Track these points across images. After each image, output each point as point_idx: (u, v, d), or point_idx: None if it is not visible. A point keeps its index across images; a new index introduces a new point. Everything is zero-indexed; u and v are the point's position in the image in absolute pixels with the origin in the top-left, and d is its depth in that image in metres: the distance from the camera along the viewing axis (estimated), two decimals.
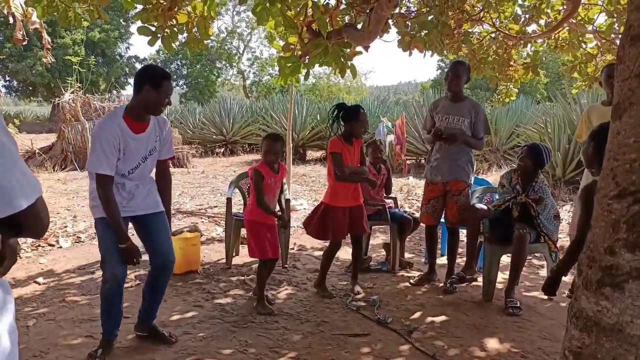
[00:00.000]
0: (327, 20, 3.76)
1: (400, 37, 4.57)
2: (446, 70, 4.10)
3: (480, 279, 3.91)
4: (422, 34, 4.58)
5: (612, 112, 1.65)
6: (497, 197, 4.38)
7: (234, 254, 4.52)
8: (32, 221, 1.08)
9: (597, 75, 5.98)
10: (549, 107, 10.64)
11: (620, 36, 5.35)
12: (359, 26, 3.94)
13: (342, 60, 3.72)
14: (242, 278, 4.07)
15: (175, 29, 3.99)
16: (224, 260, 4.47)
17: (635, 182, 1.53)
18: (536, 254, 4.58)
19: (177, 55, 32.84)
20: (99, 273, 4.12)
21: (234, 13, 34.36)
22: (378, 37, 3.96)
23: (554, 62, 26.03)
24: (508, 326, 3.23)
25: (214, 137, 17.88)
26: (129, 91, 33.64)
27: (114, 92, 16.57)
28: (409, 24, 4.52)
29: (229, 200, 4.42)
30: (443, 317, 3.35)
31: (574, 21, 5.14)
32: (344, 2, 3.83)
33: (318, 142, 14.98)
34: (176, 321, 3.21)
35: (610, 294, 1.57)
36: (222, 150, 17.65)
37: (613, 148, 1.62)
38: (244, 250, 4.83)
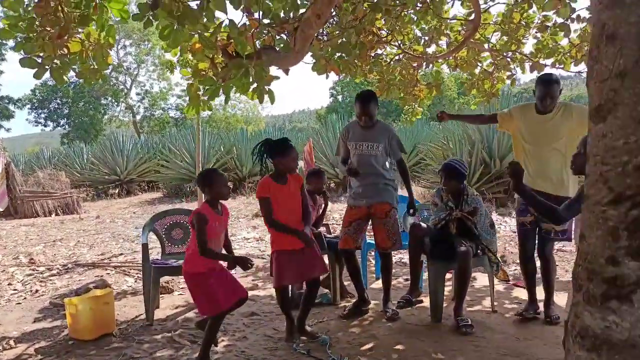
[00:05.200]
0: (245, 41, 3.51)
1: (315, 61, 4.45)
2: (354, 101, 3.98)
3: (425, 299, 3.80)
4: (336, 57, 4.51)
5: (591, 115, 1.59)
6: (426, 214, 4.37)
7: (155, 308, 3.97)
8: None
9: (494, 91, 6.39)
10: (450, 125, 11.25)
11: (512, 54, 5.77)
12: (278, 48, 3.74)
13: (261, 84, 3.48)
14: (169, 335, 3.55)
15: (66, 59, 3.50)
16: (143, 317, 3.90)
17: (631, 185, 1.45)
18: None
19: (55, 94, 30.35)
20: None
21: (119, 47, 32.70)
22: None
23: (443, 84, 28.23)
24: (465, 347, 3.12)
25: (107, 177, 16.61)
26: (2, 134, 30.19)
27: None
28: (322, 46, 4.42)
29: (144, 246, 3.88)
30: (399, 346, 3.16)
31: (473, 40, 5.40)
32: (258, 22, 3.60)
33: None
34: None
35: (618, 307, 1.47)
36: (117, 190, 16.36)
37: (599, 152, 1.55)
38: (165, 301, 4.31)
